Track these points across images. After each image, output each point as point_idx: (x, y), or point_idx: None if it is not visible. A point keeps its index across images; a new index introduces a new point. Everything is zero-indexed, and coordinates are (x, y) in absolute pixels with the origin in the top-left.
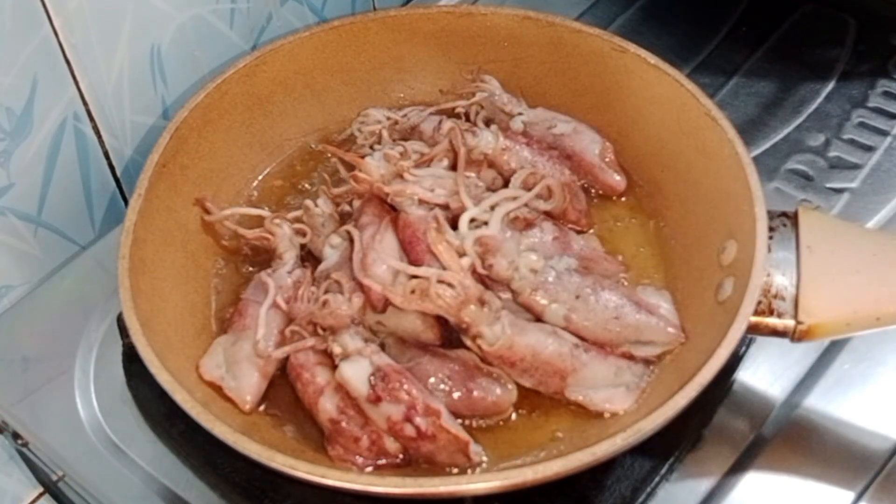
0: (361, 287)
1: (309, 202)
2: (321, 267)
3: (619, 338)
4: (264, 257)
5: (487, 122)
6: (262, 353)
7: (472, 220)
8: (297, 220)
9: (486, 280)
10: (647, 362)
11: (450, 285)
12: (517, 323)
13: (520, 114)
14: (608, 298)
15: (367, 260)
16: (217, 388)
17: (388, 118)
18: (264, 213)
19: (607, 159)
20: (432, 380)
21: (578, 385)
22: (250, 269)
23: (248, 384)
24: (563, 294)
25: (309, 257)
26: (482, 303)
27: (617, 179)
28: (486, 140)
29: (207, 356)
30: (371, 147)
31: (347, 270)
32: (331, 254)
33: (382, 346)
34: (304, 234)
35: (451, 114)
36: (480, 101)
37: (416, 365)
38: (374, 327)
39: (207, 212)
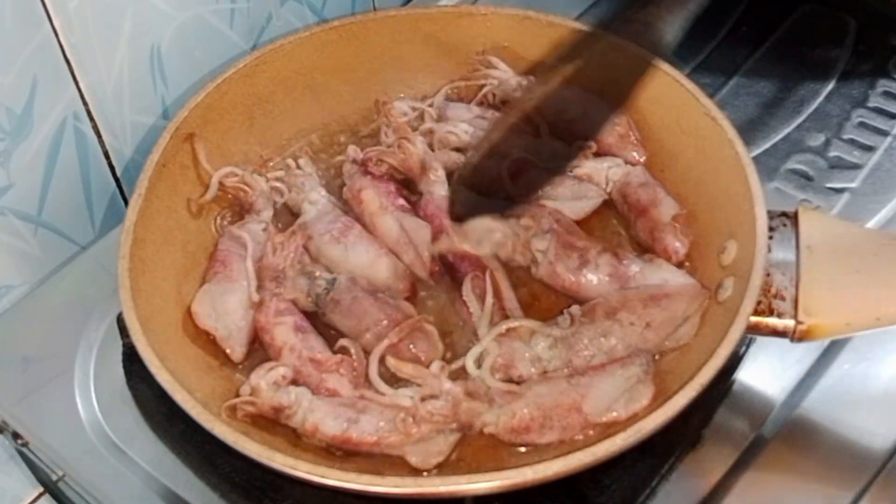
0: None
1: (290, 161)
2: (299, 220)
3: (662, 337)
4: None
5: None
6: (253, 305)
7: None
8: (279, 179)
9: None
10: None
11: (433, 397)
12: (505, 393)
13: (531, 99)
14: (630, 317)
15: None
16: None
17: (414, 109)
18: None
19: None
20: (367, 320)
21: (597, 408)
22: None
23: (239, 335)
24: (596, 342)
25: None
26: (472, 396)
27: (636, 157)
28: None
29: (198, 304)
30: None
31: (324, 225)
32: (309, 209)
33: (332, 283)
34: (281, 193)
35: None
36: (492, 90)
37: (353, 300)
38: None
39: (196, 154)
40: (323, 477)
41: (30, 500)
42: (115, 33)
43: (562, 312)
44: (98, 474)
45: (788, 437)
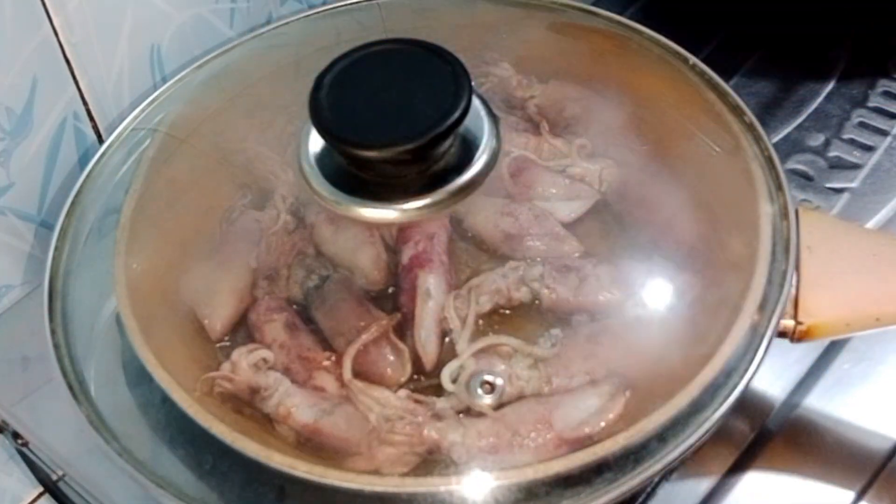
0: None
1: None
2: None
3: (644, 363)
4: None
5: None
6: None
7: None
8: None
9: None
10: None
11: (400, 418)
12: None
13: (531, 97)
14: (612, 340)
15: None
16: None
17: None
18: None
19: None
20: (345, 324)
21: (567, 421)
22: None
23: (222, 314)
24: (576, 364)
25: None
26: (438, 417)
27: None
28: None
29: (187, 277)
30: None
31: None
32: None
33: (324, 280)
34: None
35: None
36: (492, 88)
37: (337, 301)
38: (332, 258)
39: None
40: (322, 476)
41: (30, 500)
42: (115, 33)
43: (543, 334)
44: (98, 474)
45: (788, 437)
